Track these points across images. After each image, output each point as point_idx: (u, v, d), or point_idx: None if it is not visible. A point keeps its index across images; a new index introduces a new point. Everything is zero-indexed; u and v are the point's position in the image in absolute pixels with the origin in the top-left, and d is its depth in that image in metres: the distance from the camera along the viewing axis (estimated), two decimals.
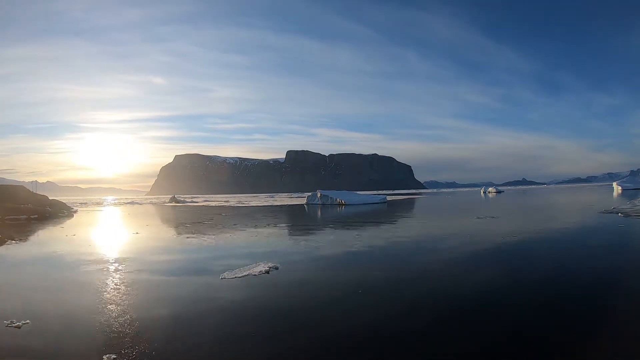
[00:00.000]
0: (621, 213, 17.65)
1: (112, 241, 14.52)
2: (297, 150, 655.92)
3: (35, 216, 27.19)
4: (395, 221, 20.00)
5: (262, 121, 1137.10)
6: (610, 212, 18.43)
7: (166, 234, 16.66)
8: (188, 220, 23.94)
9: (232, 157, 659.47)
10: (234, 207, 42.96)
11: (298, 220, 23.27)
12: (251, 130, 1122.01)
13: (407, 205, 39.09)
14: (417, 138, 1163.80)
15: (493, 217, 19.38)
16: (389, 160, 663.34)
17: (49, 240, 14.62)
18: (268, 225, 18.49)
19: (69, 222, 23.76)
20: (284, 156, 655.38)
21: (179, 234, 16.38)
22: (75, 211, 36.06)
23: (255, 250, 10.70)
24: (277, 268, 7.88)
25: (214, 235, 14.74)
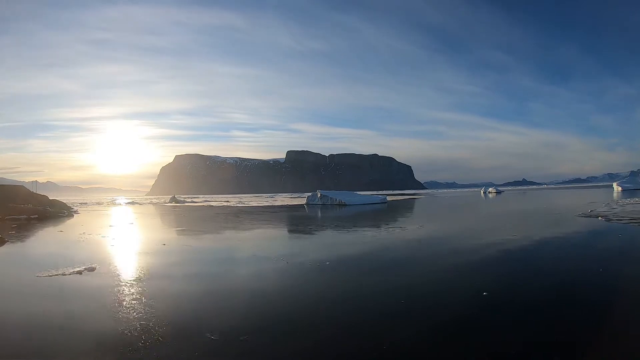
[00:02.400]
0: (601, 217, 17.01)
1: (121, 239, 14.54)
2: (297, 150, 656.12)
3: (36, 216, 27.19)
4: (395, 222, 20.01)
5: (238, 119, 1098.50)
6: (587, 216, 17.81)
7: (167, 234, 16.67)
8: (186, 221, 23.92)
9: (232, 157, 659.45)
10: (237, 207, 42.97)
11: (299, 222, 23.28)
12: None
13: (406, 206, 39.12)
14: (405, 134, 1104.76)
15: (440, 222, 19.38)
16: (389, 161, 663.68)
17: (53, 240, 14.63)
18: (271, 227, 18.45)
19: (69, 222, 23.76)
20: (284, 156, 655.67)
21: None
22: (76, 211, 36.05)
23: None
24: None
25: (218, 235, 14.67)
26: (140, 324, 4.75)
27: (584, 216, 17.85)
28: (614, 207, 22.62)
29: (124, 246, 12.87)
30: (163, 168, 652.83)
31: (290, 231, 17.73)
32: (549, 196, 53.91)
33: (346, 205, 37.76)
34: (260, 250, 11.18)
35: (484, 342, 4.16)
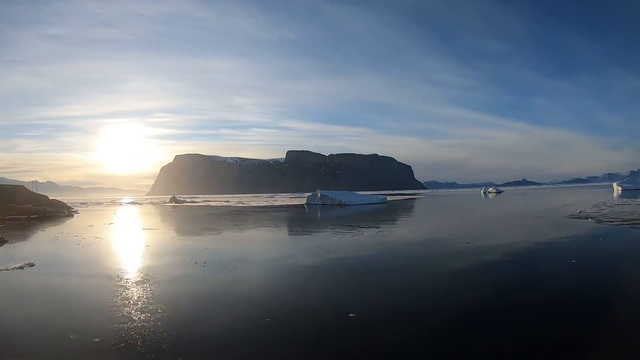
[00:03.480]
0: (591, 218, 16.78)
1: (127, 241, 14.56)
2: (297, 150, 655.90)
3: (35, 216, 27.21)
4: (394, 222, 20.04)
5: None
6: (577, 217, 17.62)
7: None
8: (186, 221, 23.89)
9: (232, 157, 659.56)
10: (237, 207, 43.00)
11: (294, 222, 23.28)
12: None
13: (406, 207, 39.14)
14: (402, 132, 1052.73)
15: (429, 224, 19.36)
16: (389, 160, 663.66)
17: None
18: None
19: (70, 222, 23.78)
20: (284, 156, 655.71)
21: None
22: (76, 211, 36.08)
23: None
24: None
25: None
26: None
27: (574, 217, 17.68)
28: (603, 208, 22.55)
29: (87, 245, 12.86)
30: (163, 168, 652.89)
31: (276, 233, 17.72)
32: (545, 196, 53.93)
33: (346, 205, 37.78)
34: (231, 255, 10.68)
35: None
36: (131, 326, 4.77)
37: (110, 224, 22.56)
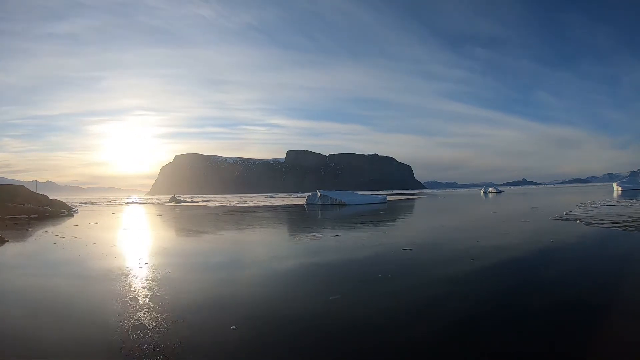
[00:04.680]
0: (579, 220, 16.24)
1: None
2: (297, 150, 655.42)
3: (35, 216, 27.21)
4: (394, 222, 20.04)
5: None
6: (564, 219, 17.09)
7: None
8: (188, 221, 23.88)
9: (232, 157, 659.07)
10: (237, 207, 42.99)
11: (299, 223, 23.28)
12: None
13: (406, 207, 39.14)
14: (398, 129, 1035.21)
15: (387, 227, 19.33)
16: (389, 160, 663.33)
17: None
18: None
19: (69, 222, 23.80)
20: (284, 156, 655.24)
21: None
22: (76, 211, 36.08)
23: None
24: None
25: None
26: None
27: (561, 219, 17.20)
28: (589, 209, 22.11)
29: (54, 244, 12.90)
30: (163, 168, 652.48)
31: (263, 235, 17.71)
32: (542, 196, 53.93)
33: (346, 205, 37.78)
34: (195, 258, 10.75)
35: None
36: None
37: (96, 223, 22.83)
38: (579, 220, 16.30)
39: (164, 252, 11.13)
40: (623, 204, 26.90)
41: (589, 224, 14.97)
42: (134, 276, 7.78)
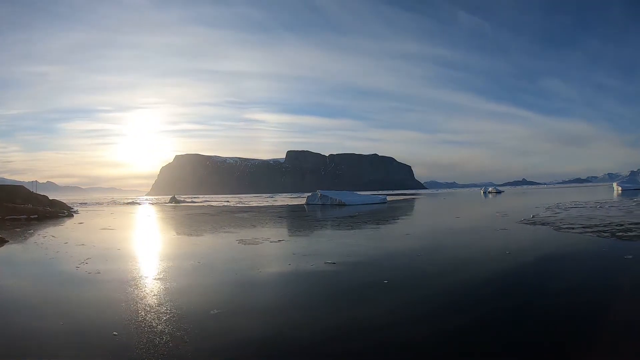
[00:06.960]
0: (545, 224, 15.14)
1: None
2: (297, 151, 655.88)
3: (35, 216, 27.21)
4: (394, 222, 20.02)
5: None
6: (529, 223, 15.95)
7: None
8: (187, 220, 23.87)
9: (232, 157, 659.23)
10: (237, 207, 42.99)
11: (301, 223, 23.28)
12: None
13: (405, 207, 39.19)
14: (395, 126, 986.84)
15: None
16: (389, 160, 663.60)
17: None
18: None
19: (69, 223, 23.81)
20: (284, 156, 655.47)
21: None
22: (76, 211, 36.09)
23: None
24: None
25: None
26: None
27: (527, 223, 15.99)
28: (557, 211, 21.34)
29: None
30: (163, 168, 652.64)
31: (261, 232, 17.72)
32: (538, 196, 53.95)
33: (346, 205, 37.79)
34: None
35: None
36: None
37: (81, 223, 23.00)
38: (548, 224, 15.05)
39: (165, 253, 11.13)
40: (591, 205, 25.95)
41: (558, 228, 13.74)
42: (144, 278, 7.81)
